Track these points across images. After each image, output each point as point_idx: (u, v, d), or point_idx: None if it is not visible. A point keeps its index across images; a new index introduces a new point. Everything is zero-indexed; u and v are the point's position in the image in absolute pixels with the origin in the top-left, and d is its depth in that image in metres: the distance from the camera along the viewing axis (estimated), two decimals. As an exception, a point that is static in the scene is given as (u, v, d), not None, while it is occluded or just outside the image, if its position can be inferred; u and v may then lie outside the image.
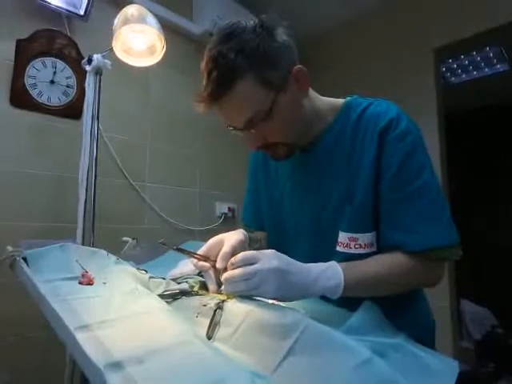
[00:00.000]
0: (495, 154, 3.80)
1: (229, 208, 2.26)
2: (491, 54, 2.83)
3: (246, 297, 0.59)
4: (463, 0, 2.06)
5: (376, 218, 0.70)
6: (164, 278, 0.73)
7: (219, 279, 0.64)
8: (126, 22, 1.27)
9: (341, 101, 0.78)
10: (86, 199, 1.34)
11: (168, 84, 2.06)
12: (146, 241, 1.28)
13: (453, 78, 3.22)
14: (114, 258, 0.78)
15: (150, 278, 0.72)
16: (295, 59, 0.69)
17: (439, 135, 2.11)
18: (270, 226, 0.91)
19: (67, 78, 1.64)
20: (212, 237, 0.71)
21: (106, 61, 1.37)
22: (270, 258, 0.58)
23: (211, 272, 0.67)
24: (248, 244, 0.75)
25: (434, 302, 0.87)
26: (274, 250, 0.60)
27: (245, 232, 0.75)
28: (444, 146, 2.14)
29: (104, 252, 0.78)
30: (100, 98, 1.39)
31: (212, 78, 0.62)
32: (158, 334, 0.48)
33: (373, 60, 2.41)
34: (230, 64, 0.61)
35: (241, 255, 0.60)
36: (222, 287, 0.63)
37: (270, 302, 0.60)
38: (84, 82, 1.38)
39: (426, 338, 0.68)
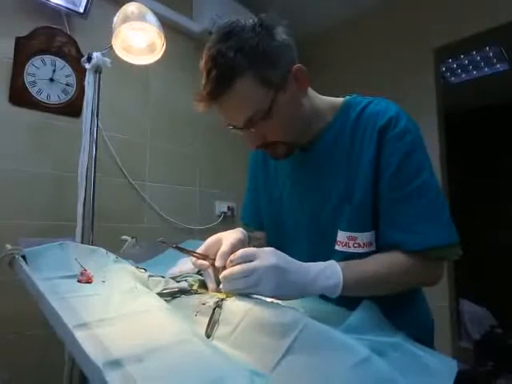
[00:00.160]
0: (495, 153, 3.80)
1: (228, 207, 2.26)
2: (491, 54, 2.83)
3: (244, 295, 0.59)
4: (463, 0, 2.06)
5: (375, 217, 0.70)
6: (163, 277, 0.73)
7: (218, 278, 0.64)
8: (126, 19, 1.27)
9: (340, 100, 0.78)
10: (85, 198, 1.34)
11: (168, 82, 2.06)
12: (145, 240, 1.28)
13: (453, 78, 3.22)
14: (113, 256, 0.78)
15: (149, 276, 0.72)
16: (295, 58, 0.69)
17: (439, 135, 2.11)
18: (269, 224, 0.91)
19: (67, 76, 1.63)
20: (211, 236, 0.71)
21: (106, 59, 1.37)
22: (268, 256, 0.58)
23: (210, 270, 0.67)
24: (248, 242, 0.75)
25: (434, 302, 0.87)
26: (272, 248, 0.60)
27: (244, 231, 0.75)
28: (444, 146, 2.14)
29: (103, 250, 0.78)
30: (99, 96, 1.39)
31: (211, 77, 0.62)
32: (157, 333, 0.48)
33: (373, 59, 2.41)
34: (230, 63, 0.61)
35: (240, 252, 0.60)
36: (221, 285, 0.63)
37: (269, 300, 0.60)
38: (83, 80, 1.38)
39: (424, 337, 0.68)
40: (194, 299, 0.62)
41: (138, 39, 1.38)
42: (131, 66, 1.43)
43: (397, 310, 0.66)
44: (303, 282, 0.59)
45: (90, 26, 1.70)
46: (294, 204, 0.82)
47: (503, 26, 1.93)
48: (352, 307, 0.63)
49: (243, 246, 0.69)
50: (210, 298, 0.60)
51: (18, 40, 1.51)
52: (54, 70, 1.59)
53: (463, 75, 3.17)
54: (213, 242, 0.70)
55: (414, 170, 0.67)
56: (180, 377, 0.40)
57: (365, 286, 0.64)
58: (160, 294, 0.63)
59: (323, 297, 0.65)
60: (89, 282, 0.64)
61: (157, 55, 1.42)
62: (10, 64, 1.49)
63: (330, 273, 0.60)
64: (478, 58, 2.89)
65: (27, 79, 1.52)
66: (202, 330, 0.53)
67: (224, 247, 0.66)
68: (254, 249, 0.60)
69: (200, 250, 0.69)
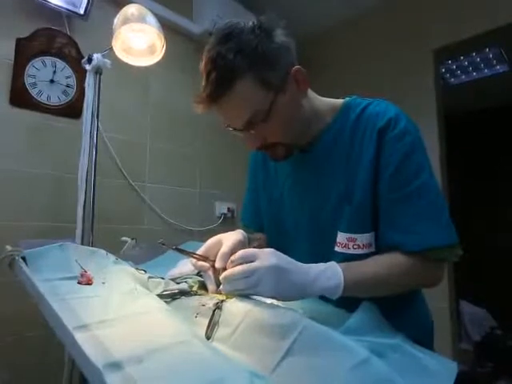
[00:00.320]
0: (494, 155, 3.80)
1: (228, 208, 2.26)
2: (491, 55, 2.83)
3: (244, 297, 0.59)
4: (463, 0, 2.06)
5: (375, 218, 0.70)
6: (163, 278, 0.73)
7: (218, 279, 0.64)
8: (126, 21, 1.28)
9: (340, 101, 0.79)
10: (85, 199, 1.33)
11: (168, 83, 2.06)
12: (145, 241, 1.28)
13: (452, 79, 3.22)
14: (113, 257, 0.78)
15: (149, 277, 0.72)
16: (294, 60, 0.69)
17: (438, 136, 2.11)
18: (269, 225, 0.91)
19: (67, 77, 1.64)
20: (211, 237, 0.71)
21: (106, 60, 1.37)
22: (268, 256, 0.58)
23: (210, 272, 0.67)
24: (248, 243, 0.75)
25: (433, 303, 0.87)
26: (273, 249, 0.60)
27: (243, 232, 0.75)
28: (443, 147, 2.14)
29: (103, 252, 0.78)
30: (100, 97, 1.39)
31: (211, 79, 0.62)
32: (157, 334, 0.48)
33: (373, 60, 2.41)
34: (229, 64, 0.61)
35: (240, 253, 0.61)
36: (221, 287, 0.63)
37: (269, 301, 0.60)
38: (84, 82, 1.38)
39: (424, 338, 0.68)
40: (193, 301, 0.62)
41: (138, 41, 1.38)
42: (131, 67, 1.44)
43: (396, 311, 0.66)
44: (303, 283, 0.59)
45: (90, 27, 1.71)
46: (294, 204, 0.82)
47: (503, 27, 1.94)
48: (352, 308, 0.63)
49: (243, 248, 0.69)
50: (210, 300, 0.60)
51: (19, 41, 1.51)
52: (55, 72, 1.60)
53: (463, 76, 3.18)
54: (213, 244, 0.70)
55: (413, 170, 0.67)
56: (180, 378, 0.40)
57: (365, 287, 0.64)
58: (160, 296, 0.63)
59: (323, 298, 0.65)
60: (89, 283, 0.64)
61: (157, 57, 1.42)
62: (11, 65, 1.49)
63: (330, 274, 0.60)
64: (478, 59, 2.89)
65: (28, 80, 1.52)
66: (202, 332, 0.53)
67: (224, 248, 0.66)
68: (255, 249, 0.60)
69: (200, 251, 0.69)
